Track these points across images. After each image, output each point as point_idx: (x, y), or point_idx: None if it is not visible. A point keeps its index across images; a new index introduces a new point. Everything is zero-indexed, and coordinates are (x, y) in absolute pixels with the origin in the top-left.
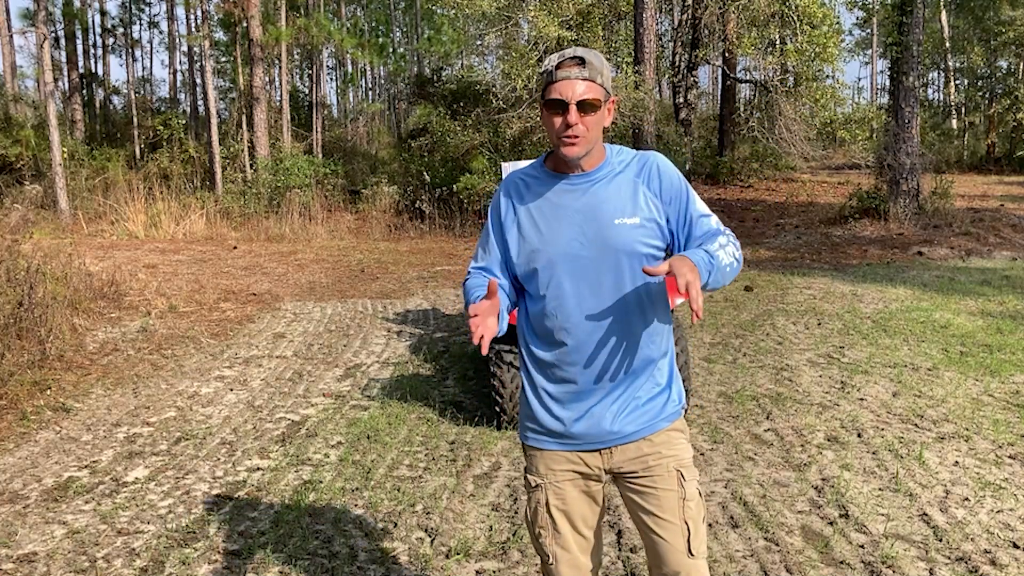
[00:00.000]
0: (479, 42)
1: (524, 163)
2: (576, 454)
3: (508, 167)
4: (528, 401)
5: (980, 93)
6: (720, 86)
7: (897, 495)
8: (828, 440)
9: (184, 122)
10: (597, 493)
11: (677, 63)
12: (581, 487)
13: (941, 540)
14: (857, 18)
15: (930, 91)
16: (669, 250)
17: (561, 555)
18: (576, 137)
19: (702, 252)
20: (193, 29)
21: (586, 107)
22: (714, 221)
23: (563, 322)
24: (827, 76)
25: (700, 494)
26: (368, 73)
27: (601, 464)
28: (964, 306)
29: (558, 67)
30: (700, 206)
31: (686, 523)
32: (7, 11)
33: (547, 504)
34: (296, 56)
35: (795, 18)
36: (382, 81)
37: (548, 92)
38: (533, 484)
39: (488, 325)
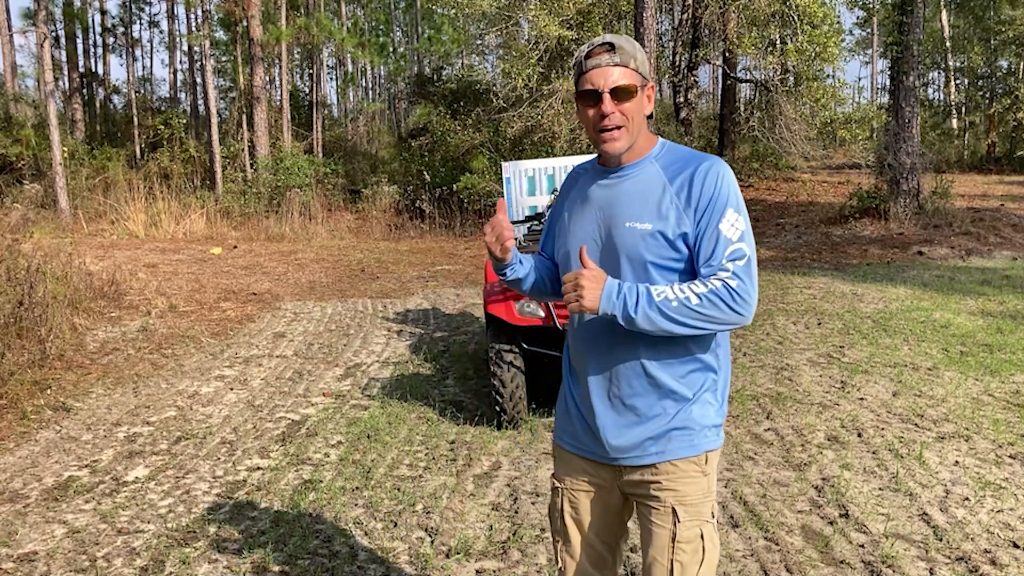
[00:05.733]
0: (479, 41)
1: (525, 163)
2: (590, 462)
3: (508, 167)
4: (560, 398)
5: (980, 93)
6: (720, 86)
7: (897, 495)
8: (828, 440)
9: (184, 122)
10: (614, 507)
11: (677, 63)
12: (595, 498)
13: (941, 540)
14: (857, 18)
15: (930, 91)
16: (692, 264)
17: (569, 564)
18: (615, 128)
19: (643, 288)
20: (193, 28)
21: (620, 94)
22: (730, 259)
23: (574, 322)
24: (827, 76)
25: (702, 538)
26: (368, 73)
27: (612, 479)
28: (964, 306)
29: (588, 56)
30: (731, 231)
31: (672, 564)
32: (7, 11)
33: (561, 509)
34: (296, 56)
35: (795, 18)
36: (382, 81)
37: (580, 84)
38: (553, 486)
39: (502, 227)
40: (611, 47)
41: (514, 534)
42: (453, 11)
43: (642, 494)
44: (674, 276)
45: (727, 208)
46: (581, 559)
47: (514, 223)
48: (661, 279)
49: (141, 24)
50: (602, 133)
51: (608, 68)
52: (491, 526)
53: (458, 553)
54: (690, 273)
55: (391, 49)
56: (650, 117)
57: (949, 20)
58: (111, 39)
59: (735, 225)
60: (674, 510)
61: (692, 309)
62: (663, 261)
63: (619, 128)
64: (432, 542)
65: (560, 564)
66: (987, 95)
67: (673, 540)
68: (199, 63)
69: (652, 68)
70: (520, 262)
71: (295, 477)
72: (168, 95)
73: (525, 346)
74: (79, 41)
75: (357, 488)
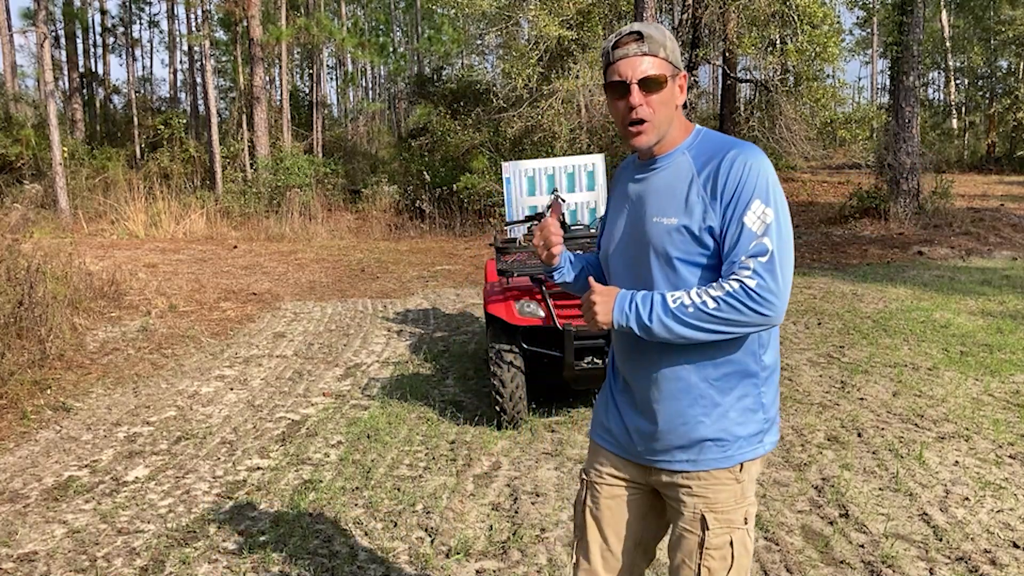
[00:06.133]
0: (479, 41)
1: (525, 163)
2: (620, 459)
3: (508, 167)
4: (601, 393)
5: (980, 93)
6: (720, 86)
7: (897, 495)
8: (828, 440)
9: (184, 121)
10: (638, 510)
11: None
12: (618, 496)
13: (941, 540)
14: (857, 18)
15: (930, 91)
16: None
17: (581, 564)
18: (642, 122)
19: (658, 296)
20: (193, 28)
21: (650, 84)
22: (752, 254)
23: None
24: (827, 76)
25: (731, 545)
26: (368, 72)
27: (642, 477)
28: (964, 306)
29: (615, 46)
30: (756, 223)
31: (699, 569)
32: (7, 11)
33: (584, 503)
34: (296, 56)
35: (795, 18)
36: (382, 80)
37: (608, 75)
38: (581, 479)
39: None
40: (639, 36)
41: (514, 534)
42: (453, 11)
43: (672, 496)
44: (702, 272)
45: (753, 199)
46: (594, 561)
47: (513, 223)
48: (689, 275)
49: (141, 24)
50: (630, 127)
51: (636, 58)
52: (491, 526)
53: (458, 553)
54: (720, 268)
55: (391, 49)
56: (685, 106)
57: (949, 20)
58: (111, 39)
59: (761, 218)
60: (703, 517)
61: (709, 314)
62: (690, 256)
63: (646, 122)
64: (432, 542)
65: (573, 559)
66: (987, 95)
67: (701, 547)
68: (199, 63)
69: None
70: (570, 261)
71: (295, 477)
72: (168, 95)
73: (525, 346)
74: (79, 41)
75: (357, 488)
